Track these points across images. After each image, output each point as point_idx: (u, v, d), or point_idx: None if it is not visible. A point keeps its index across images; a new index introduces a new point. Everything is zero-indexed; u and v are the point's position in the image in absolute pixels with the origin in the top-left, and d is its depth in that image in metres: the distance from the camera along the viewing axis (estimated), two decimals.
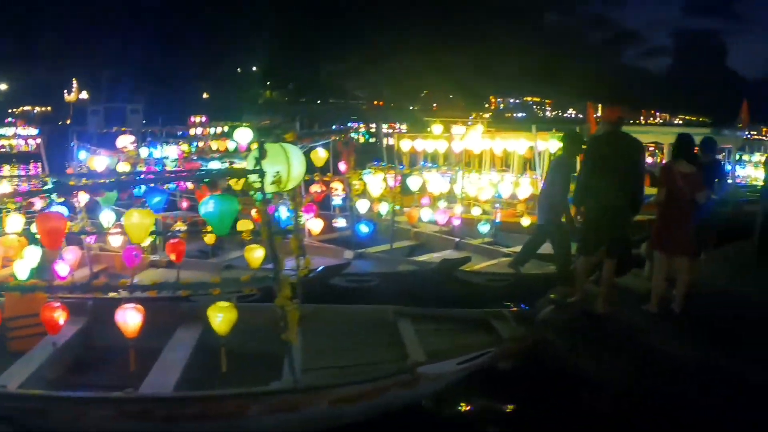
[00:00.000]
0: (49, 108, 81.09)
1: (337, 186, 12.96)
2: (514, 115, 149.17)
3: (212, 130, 37.02)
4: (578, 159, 9.48)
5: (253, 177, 5.56)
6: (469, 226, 13.35)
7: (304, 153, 10.98)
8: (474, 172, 17.36)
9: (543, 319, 6.94)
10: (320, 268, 9.10)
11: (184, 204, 14.84)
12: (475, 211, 14.03)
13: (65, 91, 64.00)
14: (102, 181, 7.30)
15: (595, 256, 8.16)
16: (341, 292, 9.17)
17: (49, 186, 8.87)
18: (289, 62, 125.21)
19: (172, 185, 13.54)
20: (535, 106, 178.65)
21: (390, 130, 45.51)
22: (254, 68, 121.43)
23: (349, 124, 65.97)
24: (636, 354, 7.09)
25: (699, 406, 6.14)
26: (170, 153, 18.10)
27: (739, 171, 22.66)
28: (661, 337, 7.49)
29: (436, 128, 16.29)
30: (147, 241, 10.03)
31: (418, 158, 19.37)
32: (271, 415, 5.74)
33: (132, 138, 15.95)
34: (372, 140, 47.73)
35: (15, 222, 8.38)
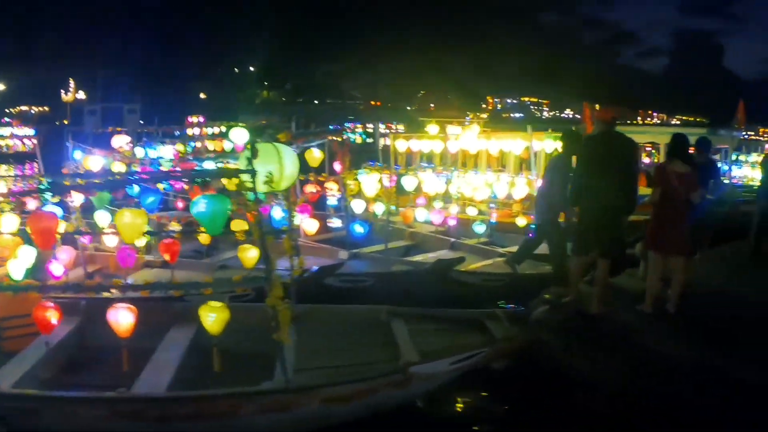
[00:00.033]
0: (46, 108, 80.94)
1: (332, 186, 12.95)
2: (512, 115, 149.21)
3: (209, 131, 36.99)
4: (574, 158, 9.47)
5: (245, 177, 5.55)
6: (464, 227, 13.34)
7: (299, 153, 11.07)
8: (470, 171, 17.33)
9: (537, 320, 6.94)
10: (314, 268, 9.08)
11: (180, 204, 14.83)
12: (471, 211, 14.03)
13: (62, 91, 63.86)
14: (96, 181, 7.27)
15: (590, 256, 8.15)
16: (336, 293, 9.16)
17: (43, 186, 8.84)
18: (287, 62, 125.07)
19: (167, 185, 13.51)
20: (532, 107, 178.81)
21: (387, 131, 45.48)
22: (251, 68, 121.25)
23: (346, 124, 65.87)
24: (631, 354, 7.08)
25: (694, 406, 6.13)
26: (165, 153, 18.07)
27: (736, 171, 22.64)
28: (656, 337, 7.48)
29: (432, 128, 16.30)
30: (142, 242, 10.01)
31: (413, 158, 19.37)
32: (263, 414, 5.75)
33: (127, 138, 15.93)
34: (369, 140, 47.67)
35: (10, 222, 8.35)
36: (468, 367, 6.27)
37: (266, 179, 5.73)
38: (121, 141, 14.97)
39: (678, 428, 6.03)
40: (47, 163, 19.43)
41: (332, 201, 14.06)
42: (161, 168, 12.33)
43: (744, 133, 23.91)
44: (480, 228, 12.85)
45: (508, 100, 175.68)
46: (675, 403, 6.17)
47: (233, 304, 6.34)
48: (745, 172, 23.91)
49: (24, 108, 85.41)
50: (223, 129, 33.95)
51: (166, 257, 8.48)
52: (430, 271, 9.76)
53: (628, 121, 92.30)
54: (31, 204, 9.14)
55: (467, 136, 16.20)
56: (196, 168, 11.49)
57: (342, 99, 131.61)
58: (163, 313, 7.53)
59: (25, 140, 36.45)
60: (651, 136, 19.13)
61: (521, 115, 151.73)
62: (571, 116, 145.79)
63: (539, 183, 11.52)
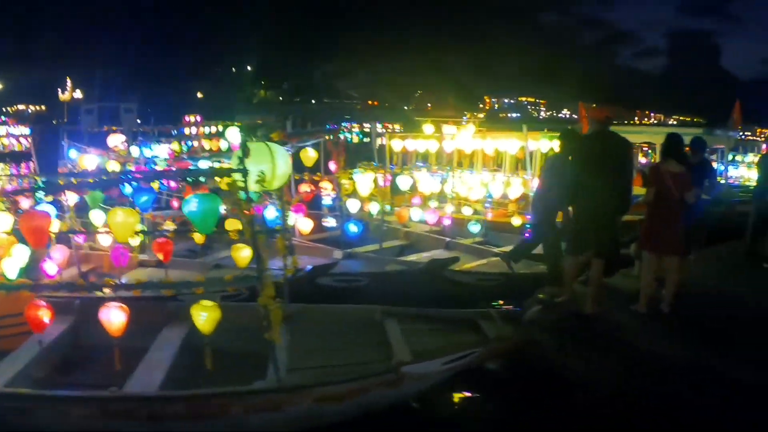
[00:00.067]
0: (43, 107, 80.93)
1: (327, 185, 12.95)
2: (509, 115, 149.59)
3: (206, 130, 36.95)
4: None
5: (237, 176, 5.54)
6: (459, 226, 13.35)
7: (294, 153, 11.07)
8: (466, 171, 17.33)
9: (530, 319, 6.93)
10: (308, 268, 9.07)
11: (175, 203, 14.81)
12: (466, 211, 14.03)
13: (59, 90, 63.79)
14: (90, 180, 7.26)
15: (584, 256, 8.14)
16: (330, 292, 9.16)
17: (36, 185, 8.83)
18: (285, 62, 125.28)
19: (162, 185, 13.51)
20: (529, 107, 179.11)
21: (383, 130, 45.51)
22: (249, 68, 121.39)
23: (343, 124, 65.97)
24: (625, 354, 7.07)
25: (689, 407, 6.12)
26: (160, 152, 18.06)
27: (732, 172, 22.65)
28: (650, 337, 7.47)
29: (428, 128, 16.29)
30: (136, 241, 10.01)
31: (409, 158, 19.37)
32: (256, 414, 5.74)
33: (122, 137, 15.91)
34: (366, 140, 47.76)
35: (4, 221, 8.34)
36: (461, 367, 6.27)
37: (258, 178, 5.72)
38: (116, 140, 14.95)
39: (673, 428, 6.02)
40: (43, 163, 19.40)
41: (327, 200, 14.07)
42: (156, 167, 12.34)
43: (741, 133, 23.91)
44: (475, 227, 12.85)
45: (506, 100, 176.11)
46: (670, 403, 6.16)
47: (225, 304, 6.33)
48: (741, 172, 23.91)
49: (21, 107, 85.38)
50: (220, 128, 33.92)
51: (160, 256, 8.48)
52: (424, 271, 9.76)
53: (625, 121, 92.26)
54: (25, 203, 9.13)
55: (463, 135, 16.18)
56: (190, 167, 11.48)
57: (339, 99, 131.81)
58: (156, 313, 7.52)
59: (21, 139, 36.40)
60: (647, 136, 19.10)
61: (518, 115, 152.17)
62: (568, 116, 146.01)
63: (535, 183, 11.51)
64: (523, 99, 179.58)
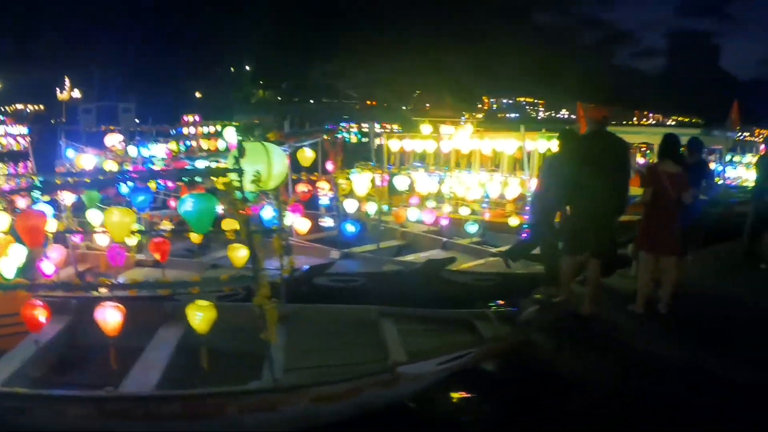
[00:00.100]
0: (41, 106, 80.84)
1: (324, 185, 12.94)
2: (507, 115, 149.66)
3: (204, 130, 36.87)
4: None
5: (232, 176, 5.53)
6: (457, 226, 13.34)
7: (292, 153, 11.05)
8: (464, 171, 17.32)
9: (527, 320, 6.92)
10: (305, 268, 9.06)
11: (173, 203, 14.80)
12: (464, 211, 14.02)
13: (58, 89, 63.73)
14: (87, 180, 7.25)
15: (581, 256, 8.14)
16: (327, 292, 9.14)
17: (33, 184, 8.82)
18: (284, 62, 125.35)
19: (159, 184, 13.49)
20: (528, 107, 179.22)
21: (382, 130, 45.49)
22: (248, 68, 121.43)
23: (342, 124, 65.95)
24: (622, 354, 7.09)
25: (687, 407, 6.13)
26: (158, 152, 18.04)
27: (731, 172, 22.60)
28: (648, 337, 7.49)
29: (425, 128, 16.28)
30: (133, 241, 9.99)
31: (406, 158, 19.36)
32: (251, 414, 5.73)
33: (120, 137, 15.86)
34: (365, 140, 47.74)
35: (1, 220, 8.33)
36: (456, 367, 6.26)
37: (254, 178, 5.71)
38: (113, 140, 14.92)
39: (671, 428, 6.02)
40: (41, 162, 19.37)
41: (324, 200, 14.06)
42: (153, 167, 12.32)
43: (739, 133, 23.88)
44: (472, 228, 12.84)
45: (504, 100, 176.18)
46: (667, 404, 6.17)
47: (221, 304, 6.34)
48: (739, 172, 23.83)
49: (19, 106, 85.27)
50: (218, 128, 33.87)
51: (157, 256, 8.47)
52: (421, 271, 9.74)
53: (624, 122, 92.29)
54: (21, 202, 9.12)
55: (460, 135, 16.17)
56: (187, 167, 11.46)
57: (338, 99, 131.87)
58: (152, 312, 7.51)
59: (19, 139, 36.30)
60: (646, 137, 19.11)
61: (516, 115, 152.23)
62: (566, 116, 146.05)
63: (532, 183, 11.50)
64: (522, 99, 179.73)
